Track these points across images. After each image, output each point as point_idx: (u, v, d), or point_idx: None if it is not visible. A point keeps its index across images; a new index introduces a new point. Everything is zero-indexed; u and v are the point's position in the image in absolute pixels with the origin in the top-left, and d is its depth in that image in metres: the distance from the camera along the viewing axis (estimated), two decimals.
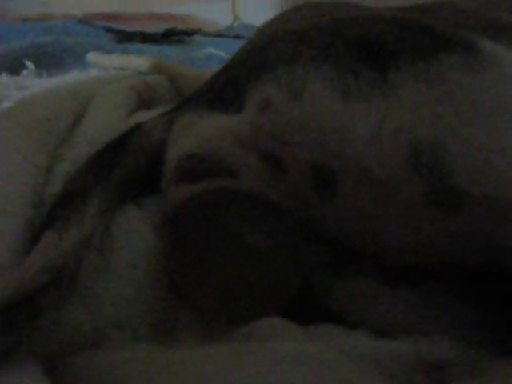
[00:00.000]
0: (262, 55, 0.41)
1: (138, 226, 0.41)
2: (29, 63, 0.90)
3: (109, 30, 1.33)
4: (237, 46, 1.04)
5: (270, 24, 0.58)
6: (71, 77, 0.81)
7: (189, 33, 1.41)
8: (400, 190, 0.34)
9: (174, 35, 1.37)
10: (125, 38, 1.28)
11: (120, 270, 0.37)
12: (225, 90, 0.43)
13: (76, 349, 0.32)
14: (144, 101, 0.70)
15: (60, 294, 0.32)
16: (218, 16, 1.92)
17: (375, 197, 0.35)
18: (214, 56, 1.15)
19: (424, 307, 0.37)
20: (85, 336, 0.33)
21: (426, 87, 0.35)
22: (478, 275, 0.36)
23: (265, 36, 0.46)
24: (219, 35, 1.55)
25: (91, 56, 0.90)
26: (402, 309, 0.37)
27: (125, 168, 0.43)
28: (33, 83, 0.76)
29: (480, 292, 0.37)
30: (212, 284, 0.36)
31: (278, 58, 0.39)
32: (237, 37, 1.49)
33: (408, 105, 0.34)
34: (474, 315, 0.36)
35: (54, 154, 0.47)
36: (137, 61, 0.82)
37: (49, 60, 0.99)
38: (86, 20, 1.42)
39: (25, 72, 0.87)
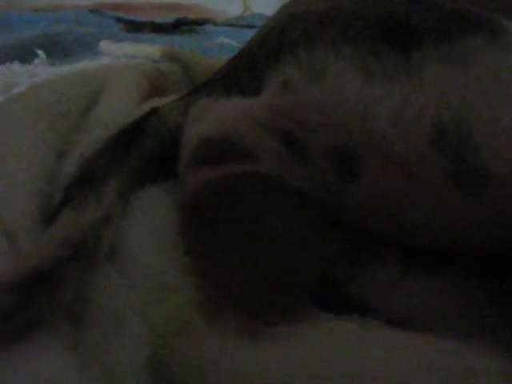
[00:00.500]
0: (280, 37, 0.41)
1: (157, 208, 0.40)
2: (40, 52, 0.90)
3: (119, 19, 1.33)
4: (248, 35, 1.03)
5: (286, 7, 0.57)
6: (83, 65, 0.81)
7: (199, 22, 1.40)
8: (424, 171, 0.33)
9: (185, 25, 1.36)
10: (135, 27, 1.28)
11: (135, 251, 0.37)
12: (242, 74, 0.42)
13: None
14: (156, 88, 0.70)
15: (80, 269, 0.31)
16: (227, 6, 1.91)
17: (399, 178, 0.34)
18: (226, 45, 1.14)
19: (442, 295, 0.36)
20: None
21: (450, 68, 0.34)
22: (500, 263, 0.36)
23: (283, 18, 0.45)
24: (230, 25, 1.54)
25: (103, 44, 0.90)
26: (422, 296, 0.36)
27: (142, 151, 0.42)
28: (44, 71, 0.76)
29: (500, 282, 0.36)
30: (233, 269, 0.35)
31: (297, 39, 0.39)
32: (248, 26, 1.48)
33: (432, 85, 0.34)
34: (491, 308, 0.36)
35: (68, 139, 0.47)
36: (149, 49, 0.81)
37: (60, 49, 0.99)
38: (96, 10, 1.42)
39: (36, 61, 0.86)
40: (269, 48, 0.41)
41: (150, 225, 0.39)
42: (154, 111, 0.47)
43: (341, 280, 0.37)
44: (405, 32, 0.36)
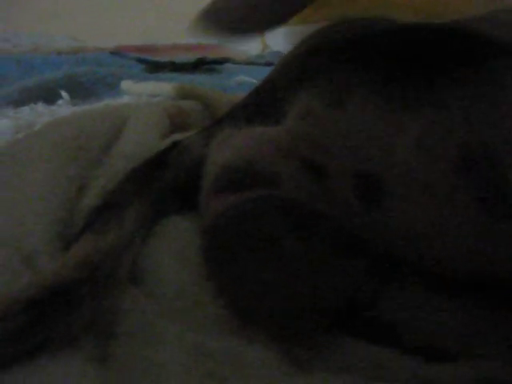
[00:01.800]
0: (301, 66, 0.41)
1: (180, 233, 0.41)
2: (64, 93, 0.91)
3: (140, 60, 1.34)
4: (267, 73, 1.04)
5: (305, 40, 0.58)
6: (104, 103, 0.82)
7: (220, 61, 1.41)
8: (450, 198, 0.33)
9: (205, 64, 1.38)
10: (156, 68, 1.29)
11: (161, 273, 0.37)
12: (263, 104, 0.42)
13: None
14: (177, 125, 0.70)
15: (97, 290, 0.31)
16: (246, 45, 1.93)
17: (423, 205, 0.33)
18: (246, 83, 1.15)
19: (471, 320, 0.35)
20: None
21: (475, 93, 0.34)
22: None
23: (304, 48, 0.45)
24: (249, 63, 1.56)
25: (124, 84, 0.91)
26: (449, 321, 0.35)
27: (164, 182, 0.42)
28: (67, 111, 0.77)
29: None
30: (255, 294, 0.35)
31: (318, 67, 0.39)
32: (267, 64, 1.49)
33: (456, 110, 0.33)
34: None
35: (89, 173, 0.48)
36: (169, 87, 0.82)
37: (83, 90, 1.00)
38: (117, 52, 1.44)
39: (60, 101, 0.88)
40: (290, 77, 0.41)
41: (174, 249, 0.39)
42: (176, 144, 0.47)
43: (365, 304, 0.36)
44: (427, 57, 0.36)
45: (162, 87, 0.83)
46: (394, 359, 0.34)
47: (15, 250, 0.35)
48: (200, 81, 1.14)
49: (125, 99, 0.84)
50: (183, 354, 0.30)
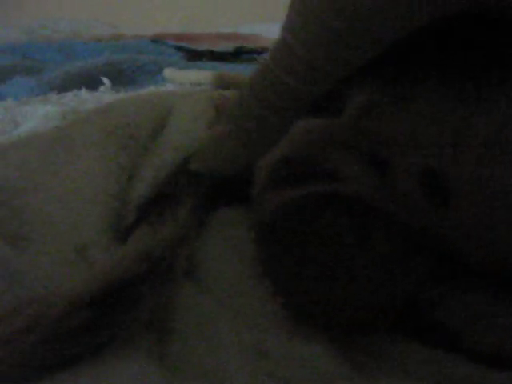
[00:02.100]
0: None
1: (234, 227, 0.40)
2: (105, 80, 0.91)
3: (179, 48, 1.34)
4: None
5: None
6: (147, 91, 0.81)
7: (259, 51, 1.40)
8: None
9: (244, 54, 1.36)
10: (195, 56, 1.29)
11: (216, 268, 0.36)
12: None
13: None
14: (222, 114, 0.69)
15: (157, 285, 0.30)
16: None
17: (496, 205, 0.32)
18: None
19: None
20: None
21: None
22: None
23: None
24: None
25: (167, 72, 0.91)
26: None
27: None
28: (111, 98, 0.77)
29: None
30: (312, 293, 0.34)
31: (382, 59, 0.37)
32: None
33: None
34: None
35: (138, 162, 0.47)
36: (212, 75, 0.81)
37: (124, 77, 1.00)
38: (157, 39, 1.44)
39: (102, 88, 0.88)
40: None
41: (228, 243, 0.38)
42: None
43: (426, 306, 0.35)
44: (500, 48, 0.34)
45: (206, 75, 0.82)
46: (457, 366, 0.33)
47: (68, 240, 0.34)
48: (240, 70, 1.13)
49: (169, 87, 0.84)
50: (242, 353, 0.29)
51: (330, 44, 0.32)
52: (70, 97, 0.77)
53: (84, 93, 0.80)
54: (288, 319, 0.33)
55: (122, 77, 0.98)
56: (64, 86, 0.84)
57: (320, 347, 0.31)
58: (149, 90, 0.83)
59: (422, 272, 0.35)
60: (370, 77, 0.37)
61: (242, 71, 1.11)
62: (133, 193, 0.42)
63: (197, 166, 0.39)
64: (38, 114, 0.62)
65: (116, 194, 0.40)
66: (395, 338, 0.34)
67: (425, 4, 0.29)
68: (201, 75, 0.84)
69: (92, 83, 0.89)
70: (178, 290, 0.32)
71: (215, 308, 0.32)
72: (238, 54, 1.36)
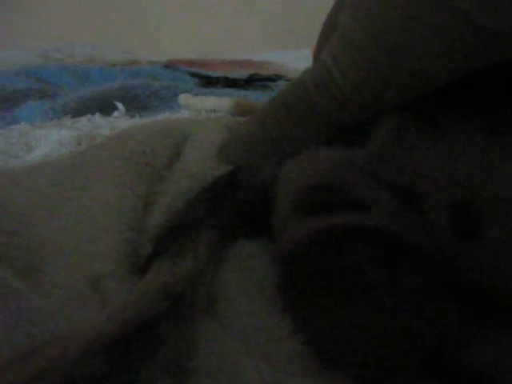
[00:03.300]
0: None
1: (252, 260, 0.38)
2: (119, 105, 0.90)
3: (194, 74, 1.33)
4: None
5: None
6: (163, 118, 0.81)
7: (272, 78, 1.39)
8: None
9: (258, 81, 1.36)
10: (209, 82, 1.28)
11: (235, 303, 0.34)
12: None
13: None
14: None
15: (180, 323, 0.29)
16: (298, 63, 1.91)
17: None
18: None
19: None
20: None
21: None
22: None
23: None
24: None
25: (182, 98, 0.90)
26: None
27: (236, 204, 0.40)
28: (125, 124, 0.76)
29: None
30: (336, 331, 0.32)
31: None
32: None
33: None
34: None
35: (155, 190, 0.46)
36: (229, 102, 0.80)
37: (137, 102, 0.99)
38: (171, 65, 1.43)
39: (116, 113, 0.87)
40: None
41: (247, 277, 0.37)
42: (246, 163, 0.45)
43: (458, 348, 0.33)
44: None
45: (222, 102, 0.81)
46: None
47: (82, 271, 0.33)
48: (254, 97, 1.12)
49: (184, 114, 0.83)
50: None
51: (374, 81, 0.31)
52: (84, 122, 0.76)
53: (98, 118, 0.79)
54: (310, 358, 0.32)
55: (136, 102, 0.97)
56: (78, 111, 0.83)
57: None
58: (164, 116, 0.82)
59: (452, 310, 0.33)
60: (396, 107, 0.35)
61: (257, 98, 1.10)
62: (148, 222, 0.41)
63: (222, 156, 0.38)
64: (52, 139, 0.61)
65: (132, 224, 0.38)
66: (424, 382, 0.33)
67: (480, 52, 0.28)
68: (216, 102, 0.83)
69: (106, 108, 0.88)
70: (198, 326, 0.31)
71: (236, 346, 0.30)
72: (251, 81, 1.35)
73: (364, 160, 0.35)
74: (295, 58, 1.98)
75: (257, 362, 0.30)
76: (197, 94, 0.97)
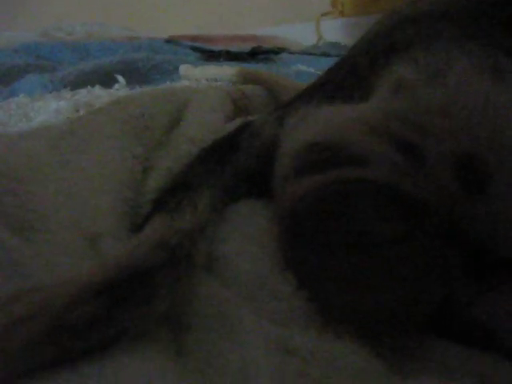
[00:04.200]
0: (389, 38, 0.37)
1: (254, 219, 0.37)
2: (120, 77, 0.89)
3: (195, 48, 1.32)
4: (325, 62, 1.00)
5: (384, 17, 0.54)
6: (165, 86, 0.80)
7: (275, 51, 1.38)
8: None
9: (261, 54, 1.34)
10: (211, 56, 1.27)
11: (236, 261, 0.33)
12: (345, 81, 0.39)
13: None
14: (240, 109, 0.67)
15: (176, 275, 0.28)
16: (301, 36, 1.89)
17: None
18: (303, 72, 1.11)
19: None
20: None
21: None
22: None
23: (388, 24, 0.41)
24: (306, 53, 1.52)
25: (183, 68, 0.89)
26: None
27: (236, 165, 0.39)
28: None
29: None
30: (340, 287, 0.31)
31: (412, 37, 0.35)
32: (323, 54, 1.45)
33: None
34: None
35: (153, 154, 0.45)
36: (231, 70, 0.79)
37: (138, 76, 0.98)
38: (172, 40, 1.42)
39: (116, 86, 0.86)
40: (376, 51, 0.37)
41: (249, 235, 0.36)
42: (246, 125, 0.44)
43: (462, 304, 0.32)
44: None
45: (224, 71, 0.80)
46: (495, 364, 0.30)
47: (79, 230, 0.32)
48: (257, 69, 1.11)
49: (184, 83, 0.82)
50: (268, 350, 0.27)
51: None
52: (83, 93, 0.75)
53: (98, 89, 0.78)
54: (315, 315, 0.31)
55: (136, 75, 0.96)
56: (77, 84, 0.82)
57: (352, 345, 0.29)
58: (164, 85, 0.81)
59: (457, 265, 0.32)
60: (399, 56, 0.34)
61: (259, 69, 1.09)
62: (148, 185, 0.40)
63: None
64: (49, 109, 0.60)
65: (130, 184, 0.38)
66: (430, 337, 0.32)
67: None
68: (217, 71, 0.82)
69: (106, 81, 0.87)
70: (198, 283, 0.30)
71: (237, 303, 0.30)
72: (254, 54, 1.34)
73: (367, 114, 0.34)
74: (300, 32, 1.97)
75: (260, 319, 0.29)
76: (199, 65, 0.96)
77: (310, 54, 1.49)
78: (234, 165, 0.39)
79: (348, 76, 0.39)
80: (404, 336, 0.31)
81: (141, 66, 1.01)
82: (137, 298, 0.25)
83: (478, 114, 0.30)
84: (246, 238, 0.35)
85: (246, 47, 1.41)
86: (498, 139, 0.30)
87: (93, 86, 0.82)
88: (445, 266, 0.32)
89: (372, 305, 0.31)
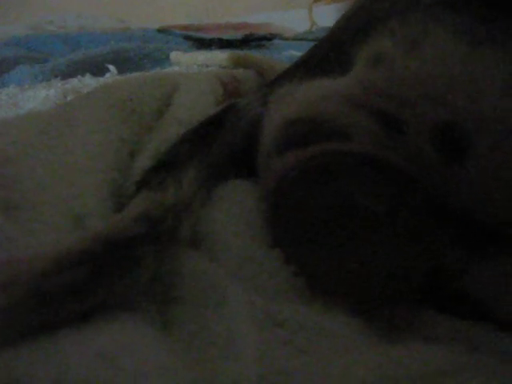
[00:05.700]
0: (367, 14, 0.37)
1: (242, 197, 0.38)
2: (111, 67, 0.89)
3: (187, 37, 1.32)
4: None
5: None
6: (154, 71, 0.80)
7: (268, 38, 1.37)
8: None
9: (254, 40, 1.34)
10: (204, 44, 1.27)
11: (225, 238, 0.34)
12: (326, 56, 0.39)
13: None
14: (230, 93, 0.68)
15: (159, 248, 0.28)
16: (294, 23, 1.89)
17: None
18: (296, 58, 1.11)
19: None
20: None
21: None
22: None
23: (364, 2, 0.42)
24: (298, 39, 1.52)
25: (173, 55, 0.89)
26: None
27: (221, 145, 0.39)
28: None
29: None
30: (327, 261, 0.32)
31: (388, 9, 0.35)
32: (316, 40, 1.45)
33: None
34: None
35: (141, 138, 0.45)
36: (221, 55, 0.79)
37: (130, 65, 0.98)
38: (164, 29, 1.42)
39: (108, 75, 0.86)
40: (356, 26, 0.37)
41: (235, 213, 0.36)
42: (232, 105, 0.44)
43: (452, 275, 0.33)
44: None
45: (215, 56, 0.80)
46: (485, 334, 0.31)
47: (65, 209, 0.32)
48: (248, 53, 1.11)
49: (175, 69, 0.82)
50: (255, 322, 0.27)
51: None
52: (74, 82, 0.75)
53: (88, 78, 0.78)
54: (302, 288, 0.31)
55: (128, 64, 0.96)
56: (68, 73, 0.82)
57: (341, 316, 0.29)
58: (154, 70, 0.81)
59: (445, 236, 0.33)
60: (376, 29, 0.35)
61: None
62: (136, 166, 0.41)
63: None
64: (39, 97, 0.60)
65: (116, 165, 0.38)
66: (420, 308, 0.32)
67: None
68: (210, 56, 0.82)
69: (97, 70, 0.87)
70: (183, 258, 0.31)
71: (224, 276, 0.30)
72: (247, 41, 1.33)
73: (347, 87, 0.34)
74: (292, 19, 1.97)
75: (247, 292, 0.30)
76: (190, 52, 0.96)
77: (303, 39, 1.49)
78: (219, 143, 0.40)
79: (329, 52, 0.39)
80: (393, 307, 0.32)
81: (133, 55, 1.01)
82: (117, 268, 0.25)
83: (455, 83, 0.30)
84: (234, 215, 0.36)
85: (239, 35, 1.40)
86: (476, 107, 0.30)
87: (83, 75, 0.82)
88: (432, 236, 0.32)
89: (359, 277, 0.31)
